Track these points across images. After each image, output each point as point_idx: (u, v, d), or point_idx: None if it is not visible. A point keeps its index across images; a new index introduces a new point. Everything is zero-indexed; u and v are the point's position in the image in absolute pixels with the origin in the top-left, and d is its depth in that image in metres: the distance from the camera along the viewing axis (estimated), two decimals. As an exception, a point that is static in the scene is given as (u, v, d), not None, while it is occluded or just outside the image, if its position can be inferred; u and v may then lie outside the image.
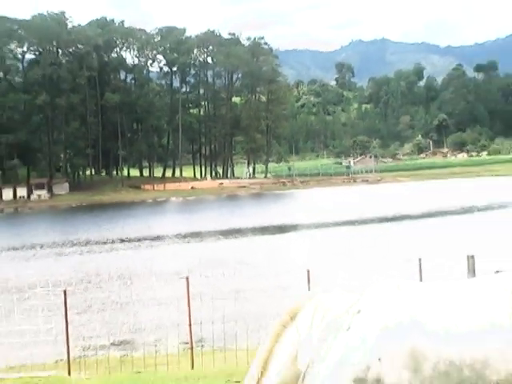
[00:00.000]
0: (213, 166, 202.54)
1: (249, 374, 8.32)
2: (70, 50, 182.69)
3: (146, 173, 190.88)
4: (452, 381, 7.02)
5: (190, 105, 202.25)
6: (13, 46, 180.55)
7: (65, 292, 25.36)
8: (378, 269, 28.25)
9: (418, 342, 7.01)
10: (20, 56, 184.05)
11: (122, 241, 70.92)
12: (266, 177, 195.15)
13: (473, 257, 18.35)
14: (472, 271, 17.87)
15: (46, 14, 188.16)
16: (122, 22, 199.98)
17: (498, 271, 12.39)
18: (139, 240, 71.98)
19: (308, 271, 24.05)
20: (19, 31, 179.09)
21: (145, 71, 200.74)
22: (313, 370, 7.19)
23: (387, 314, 7.17)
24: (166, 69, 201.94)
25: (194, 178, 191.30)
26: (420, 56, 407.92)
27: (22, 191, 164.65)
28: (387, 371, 6.97)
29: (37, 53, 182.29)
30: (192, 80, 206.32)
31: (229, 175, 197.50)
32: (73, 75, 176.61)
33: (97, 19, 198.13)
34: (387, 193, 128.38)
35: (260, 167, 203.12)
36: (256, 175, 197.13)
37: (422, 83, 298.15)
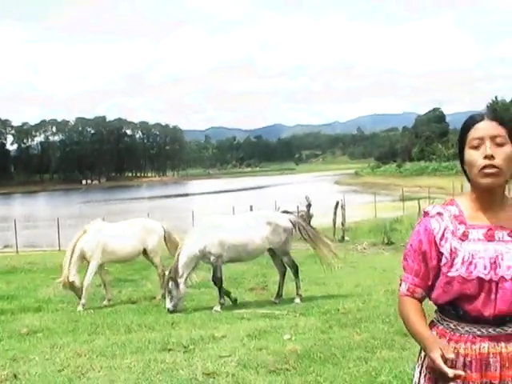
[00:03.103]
0: (164, 171, 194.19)
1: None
2: (107, 129, 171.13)
3: (143, 174, 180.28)
4: (236, 252, 6.52)
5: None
6: (88, 130, 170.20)
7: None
8: (222, 210, 23.31)
9: (222, 235, 6.42)
10: (89, 133, 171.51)
11: (136, 198, 66.36)
12: (185, 175, 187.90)
13: (252, 206, 19.84)
14: (250, 210, 19.74)
15: (101, 115, 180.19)
16: (132, 121, 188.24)
17: (254, 209, 12.51)
18: (141, 198, 67.61)
19: (192, 211, 20.91)
20: (89, 122, 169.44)
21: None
22: (183, 248, 6.41)
23: (212, 225, 6.52)
24: (142, 136, 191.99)
25: (160, 176, 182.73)
26: (232, 134, 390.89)
27: (88, 181, 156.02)
28: (211, 248, 6.41)
29: (94, 131, 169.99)
30: (154, 143, 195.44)
31: (170, 175, 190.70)
32: (110, 139, 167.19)
33: (120, 118, 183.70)
34: (230, 182, 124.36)
35: (180, 173, 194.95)
36: (179, 176, 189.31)
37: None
